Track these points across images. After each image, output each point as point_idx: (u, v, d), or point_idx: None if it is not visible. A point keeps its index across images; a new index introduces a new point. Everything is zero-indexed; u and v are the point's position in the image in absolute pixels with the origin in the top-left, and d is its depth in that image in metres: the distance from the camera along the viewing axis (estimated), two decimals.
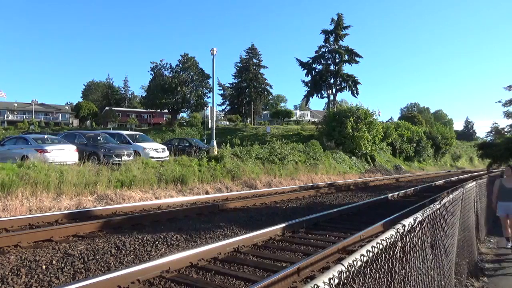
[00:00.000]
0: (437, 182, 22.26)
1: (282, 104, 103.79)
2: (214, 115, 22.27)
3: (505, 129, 22.61)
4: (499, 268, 6.20)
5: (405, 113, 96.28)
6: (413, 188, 17.50)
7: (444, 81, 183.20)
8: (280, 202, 12.63)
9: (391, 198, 14.10)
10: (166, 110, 63.92)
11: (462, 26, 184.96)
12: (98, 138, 18.13)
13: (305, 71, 52.18)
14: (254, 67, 69.07)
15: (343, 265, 1.59)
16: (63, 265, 5.18)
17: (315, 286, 1.37)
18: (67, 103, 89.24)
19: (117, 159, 16.01)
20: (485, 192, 8.27)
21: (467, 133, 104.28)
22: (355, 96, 50.92)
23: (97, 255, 5.75)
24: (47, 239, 6.62)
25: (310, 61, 51.92)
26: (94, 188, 11.97)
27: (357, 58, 50.87)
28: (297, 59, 52.30)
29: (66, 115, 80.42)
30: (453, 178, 26.72)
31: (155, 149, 19.20)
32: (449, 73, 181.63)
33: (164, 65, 60.13)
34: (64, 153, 14.79)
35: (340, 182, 21.16)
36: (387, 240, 2.07)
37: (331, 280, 1.44)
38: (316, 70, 51.99)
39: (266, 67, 77.57)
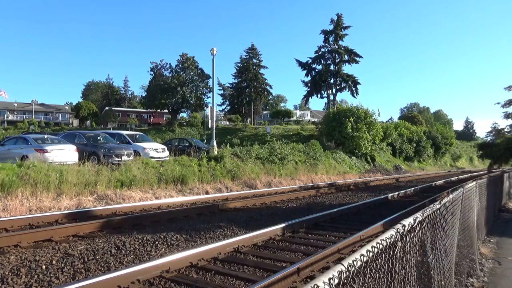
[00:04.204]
0: (437, 182, 22.26)
1: (282, 104, 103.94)
2: (214, 115, 22.26)
3: (505, 129, 22.58)
4: (498, 268, 6.20)
5: (405, 113, 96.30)
6: (413, 188, 17.49)
7: (444, 81, 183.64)
8: (280, 202, 12.62)
9: (391, 198, 14.09)
10: (166, 110, 63.94)
11: (462, 26, 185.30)
12: (98, 138, 18.13)
13: (305, 71, 52.19)
14: (254, 67, 69.06)
15: (343, 265, 1.59)
16: (63, 265, 5.18)
17: (315, 286, 1.37)
18: (67, 103, 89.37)
19: (117, 159, 16.01)
20: (485, 192, 8.26)
21: (467, 133, 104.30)
22: (355, 97, 51.01)
23: (97, 255, 5.74)
24: (47, 239, 6.62)
25: (310, 61, 51.91)
26: (94, 188, 11.98)
27: (357, 58, 50.86)
28: (296, 59, 52.36)
29: (66, 115, 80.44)
30: (453, 178, 26.71)
31: (155, 149, 19.21)
32: (449, 73, 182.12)
33: (164, 65, 60.19)
34: (64, 153, 14.79)
35: (340, 182, 21.16)
36: (387, 240, 2.07)
37: (331, 280, 1.44)
38: (316, 70, 51.98)
39: (266, 67, 77.73)
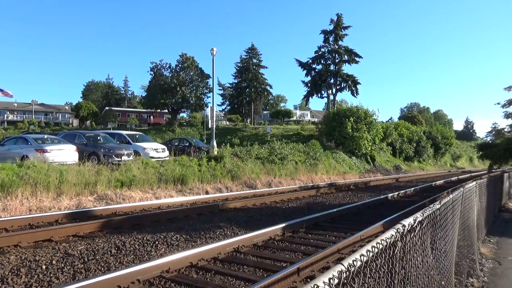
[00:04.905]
0: (437, 182, 22.26)
1: (282, 104, 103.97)
2: (214, 115, 22.25)
3: (505, 129, 22.55)
4: (498, 268, 6.20)
5: (405, 113, 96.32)
6: (413, 188, 17.49)
7: (444, 81, 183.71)
8: (280, 202, 12.62)
9: (391, 198, 14.09)
10: (166, 110, 63.94)
11: (462, 26, 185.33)
12: (98, 138, 18.13)
13: (305, 71, 52.22)
14: (254, 67, 69.04)
15: (343, 265, 1.59)
16: (63, 265, 5.18)
17: (315, 286, 1.37)
18: (66, 103, 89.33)
19: (117, 159, 16.01)
20: (485, 192, 8.27)
21: (467, 133, 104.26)
22: (355, 96, 51.03)
23: (97, 255, 5.74)
24: (47, 239, 6.62)
25: (310, 61, 51.92)
26: (94, 188, 11.98)
27: (357, 58, 50.87)
28: (296, 59, 52.36)
29: (66, 115, 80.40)
30: (453, 178, 26.71)
31: (155, 149, 19.20)
32: (449, 73, 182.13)
33: (164, 65, 60.19)
34: (64, 153, 14.79)
35: (340, 182, 21.16)
36: (387, 240, 2.07)
37: (331, 280, 1.44)
38: (316, 70, 51.99)
39: (266, 67, 77.62)
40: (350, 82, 50.27)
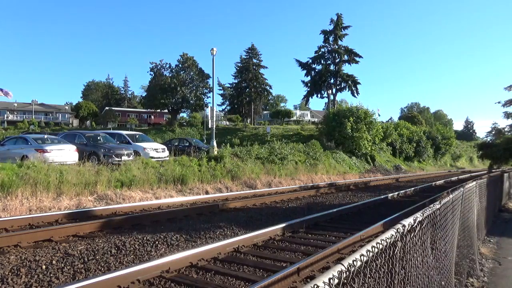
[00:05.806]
0: (437, 182, 22.26)
1: (282, 104, 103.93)
2: (214, 115, 22.25)
3: (505, 129, 22.57)
4: (498, 268, 6.19)
5: (405, 113, 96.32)
6: (413, 188, 17.49)
7: (444, 81, 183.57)
8: (280, 202, 12.62)
9: (391, 198, 14.09)
10: (166, 110, 63.93)
11: (462, 26, 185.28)
12: (98, 138, 18.13)
13: (305, 71, 52.18)
14: (254, 67, 69.07)
15: (343, 265, 1.59)
16: (63, 265, 5.18)
17: (315, 286, 1.37)
18: (66, 103, 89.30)
19: (117, 159, 16.01)
20: (485, 192, 8.26)
21: (467, 133, 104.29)
22: (355, 96, 51.00)
23: (97, 255, 5.74)
24: (47, 239, 6.62)
25: (310, 61, 51.89)
26: (94, 188, 11.98)
27: (356, 58, 50.85)
28: (296, 60, 52.29)
29: (66, 115, 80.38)
30: (453, 178, 26.71)
31: (155, 149, 19.20)
32: (449, 73, 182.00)
33: (164, 65, 60.18)
34: (64, 153, 14.79)
35: (340, 182, 21.16)
36: (387, 240, 2.07)
37: (331, 280, 1.44)
38: (316, 70, 51.96)
39: (266, 67, 77.73)
40: (350, 82, 50.25)
